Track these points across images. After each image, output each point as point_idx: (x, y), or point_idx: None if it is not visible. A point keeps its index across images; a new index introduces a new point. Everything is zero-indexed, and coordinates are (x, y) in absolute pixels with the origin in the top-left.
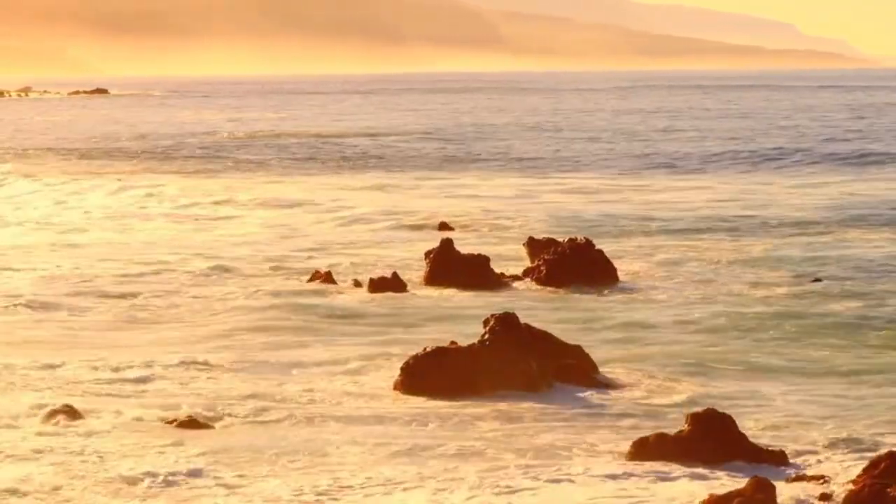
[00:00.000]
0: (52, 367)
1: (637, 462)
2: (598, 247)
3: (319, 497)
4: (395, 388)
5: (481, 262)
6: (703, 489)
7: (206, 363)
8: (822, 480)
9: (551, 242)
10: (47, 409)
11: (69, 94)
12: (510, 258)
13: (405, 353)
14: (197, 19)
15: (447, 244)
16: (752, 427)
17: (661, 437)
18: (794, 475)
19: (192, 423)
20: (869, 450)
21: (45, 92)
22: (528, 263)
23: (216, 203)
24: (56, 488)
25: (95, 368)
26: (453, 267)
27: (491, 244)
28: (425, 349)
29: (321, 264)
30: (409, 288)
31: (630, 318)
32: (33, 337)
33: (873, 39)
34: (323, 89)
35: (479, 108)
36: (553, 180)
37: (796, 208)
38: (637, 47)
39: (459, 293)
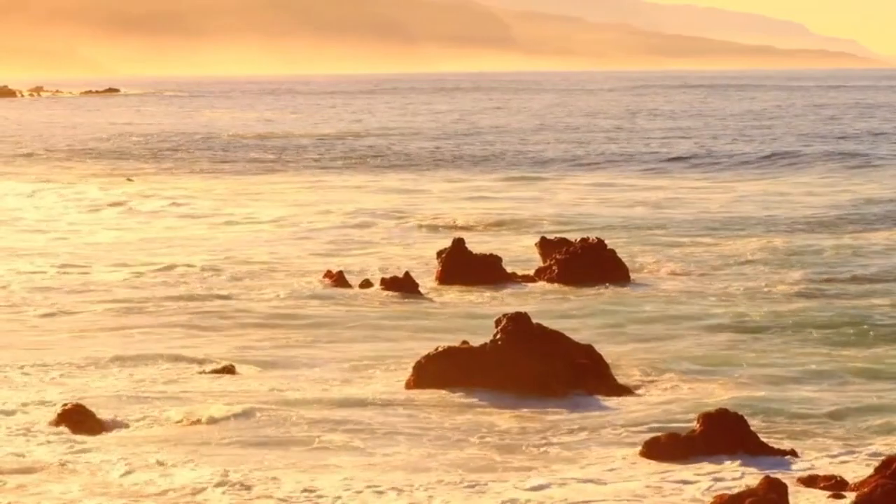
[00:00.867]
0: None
1: (649, 461)
2: (609, 246)
3: (321, 498)
4: (408, 387)
5: (493, 261)
6: (714, 489)
7: (217, 363)
8: (833, 480)
9: (563, 242)
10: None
11: (81, 93)
12: (522, 258)
13: (417, 352)
14: (208, 19)
15: (459, 244)
16: (764, 427)
17: (673, 437)
18: (805, 475)
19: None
20: (881, 450)
21: (57, 91)
22: (540, 263)
23: (224, 202)
24: None
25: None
26: (466, 267)
27: (503, 244)
28: (437, 349)
29: (333, 264)
30: (421, 288)
31: (642, 318)
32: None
33: (884, 39)
34: (336, 89)
35: (491, 107)
36: (565, 180)
37: (812, 208)
38: (649, 47)
39: (471, 293)
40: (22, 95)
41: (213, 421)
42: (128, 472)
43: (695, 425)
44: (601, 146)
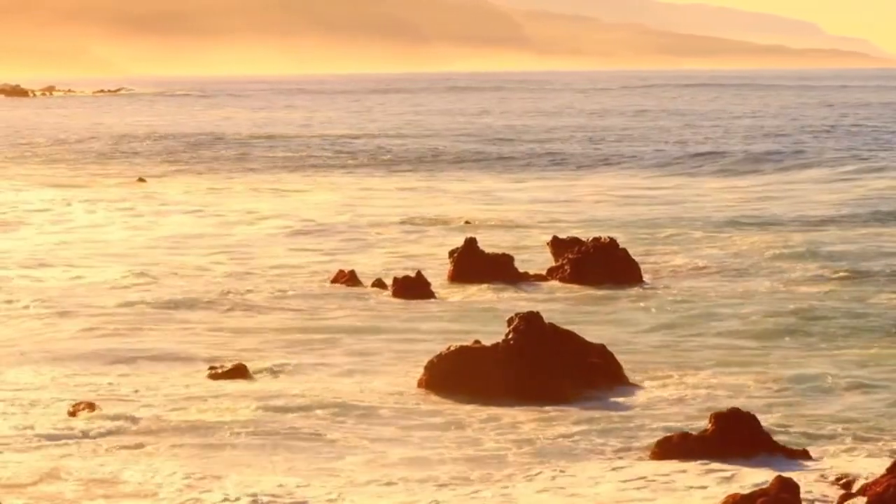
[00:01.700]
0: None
1: (660, 461)
2: (621, 245)
3: (329, 494)
4: (420, 386)
5: (505, 260)
6: (726, 488)
7: (228, 364)
8: (845, 480)
9: (575, 241)
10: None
11: (93, 92)
12: (534, 257)
13: (429, 351)
14: (219, 18)
15: (471, 243)
16: (777, 426)
17: (685, 437)
18: (818, 474)
19: (217, 420)
20: (894, 450)
21: (69, 91)
22: (552, 262)
23: (236, 201)
24: None
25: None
26: (478, 266)
27: (515, 243)
28: (449, 348)
29: (345, 263)
30: (433, 287)
31: (653, 317)
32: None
33: None
34: (347, 88)
35: (505, 107)
36: (578, 180)
37: (827, 205)
38: (661, 47)
39: (483, 292)
40: (34, 95)
41: (223, 420)
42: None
43: (707, 425)
44: (614, 145)
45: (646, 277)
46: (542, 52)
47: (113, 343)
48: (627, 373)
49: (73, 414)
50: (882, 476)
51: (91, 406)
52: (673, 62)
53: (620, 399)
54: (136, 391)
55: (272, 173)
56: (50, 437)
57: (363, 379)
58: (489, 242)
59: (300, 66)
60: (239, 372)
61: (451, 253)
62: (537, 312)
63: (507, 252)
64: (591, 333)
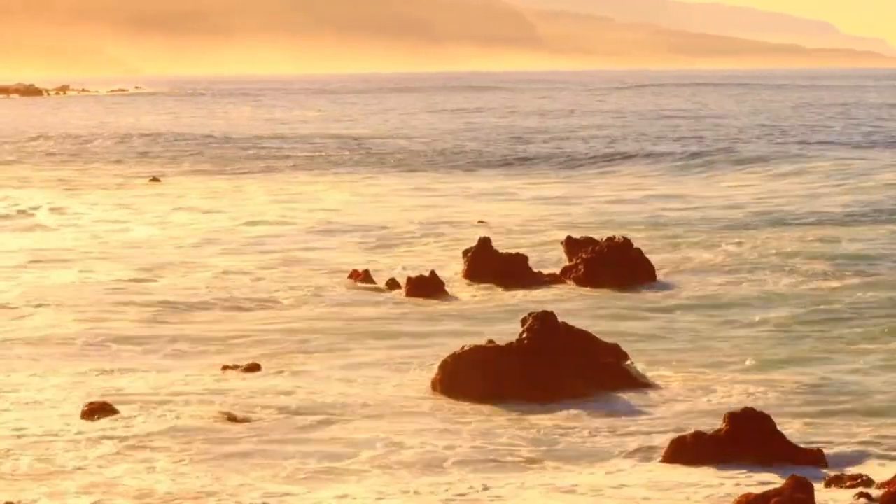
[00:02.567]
0: None
1: (674, 460)
2: (635, 245)
3: (341, 494)
4: (433, 386)
5: (519, 260)
6: (740, 488)
7: (242, 363)
8: (860, 479)
9: (589, 241)
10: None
11: (107, 92)
12: (548, 257)
13: (442, 351)
14: (233, 18)
15: (485, 243)
16: (790, 426)
17: (699, 436)
18: (832, 475)
19: (229, 420)
20: None
21: (83, 90)
22: (566, 262)
23: (251, 201)
24: None
25: None
26: (491, 265)
27: (529, 243)
28: (463, 348)
29: (359, 263)
30: (446, 287)
31: (668, 317)
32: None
33: None
34: (361, 88)
35: (518, 106)
36: (593, 179)
37: (840, 204)
38: (675, 46)
39: (497, 292)
40: (48, 94)
41: (234, 420)
42: (146, 472)
43: (721, 424)
44: (629, 144)
45: (660, 276)
46: (554, 52)
47: (125, 342)
48: (641, 372)
49: (86, 414)
50: None
51: (104, 406)
52: (686, 62)
53: (634, 398)
54: (150, 390)
55: (286, 172)
56: (61, 438)
57: (376, 378)
58: (503, 242)
59: (313, 65)
60: (252, 370)
61: (465, 252)
62: (551, 312)
63: (520, 252)
64: (605, 333)
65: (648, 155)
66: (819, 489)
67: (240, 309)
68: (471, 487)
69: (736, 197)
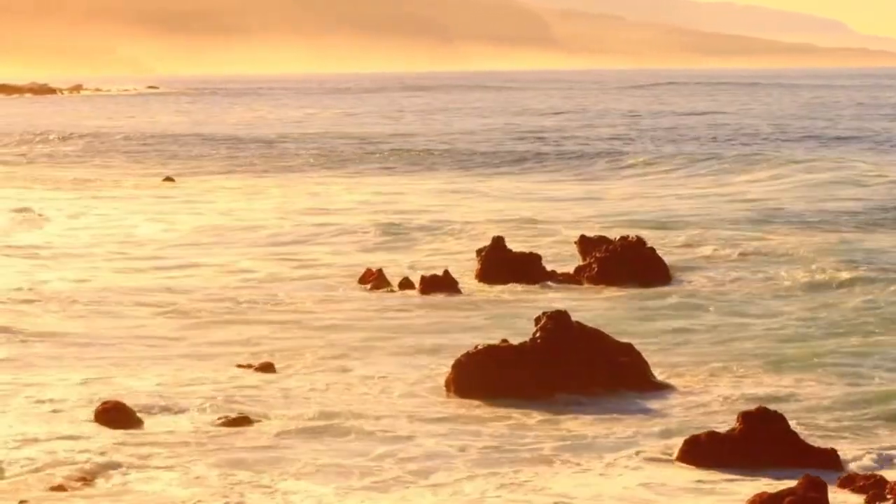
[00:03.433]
0: None
1: (688, 460)
2: (649, 244)
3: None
4: (447, 386)
5: (533, 259)
6: (753, 487)
7: (258, 364)
8: (873, 479)
9: (603, 240)
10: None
11: (121, 91)
12: (562, 256)
13: (456, 350)
14: (247, 17)
15: (499, 242)
16: (805, 425)
17: (713, 436)
18: (845, 474)
19: (242, 421)
20: None
21: (97, 90)
22: (579, 261)
23: (266, 201)
24: None
25: None
26: (505, 265)
27: (543, 242)
28: (476, 347)
29: (373, 262)
30: (460, 286)
31: (681, 316)
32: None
33: None
34: (376, 86)
35: (533, 106)
36: (607, 178)
37: (855, 202)
38: (688, 46)
39: (511, 291)
40: (62, 93)
41: (247, 421)
42: (157, 472)
43: (735, 424)
44: (642, 144)
45: (674, 275)
46: (568, 51)
47: (138, 341)
48: (655, 372)
49: (99, 413)
50: None
51: (118, 405)
52: (699, 61)
53: (648, 398)
54: (163, 389)
55: (300, 171)
56: (73, 437)
57: (389, 377)
58: (517, 241)
59: (327, 64)
60: (266, 370)
61: (479, 251)
62: (565, 311)
63: (534, 251)
64: (618, 332)
65: (660, 153)
66: (833, 489)
67: (253, 308)
68: (484, 489)
69: (749, 195)
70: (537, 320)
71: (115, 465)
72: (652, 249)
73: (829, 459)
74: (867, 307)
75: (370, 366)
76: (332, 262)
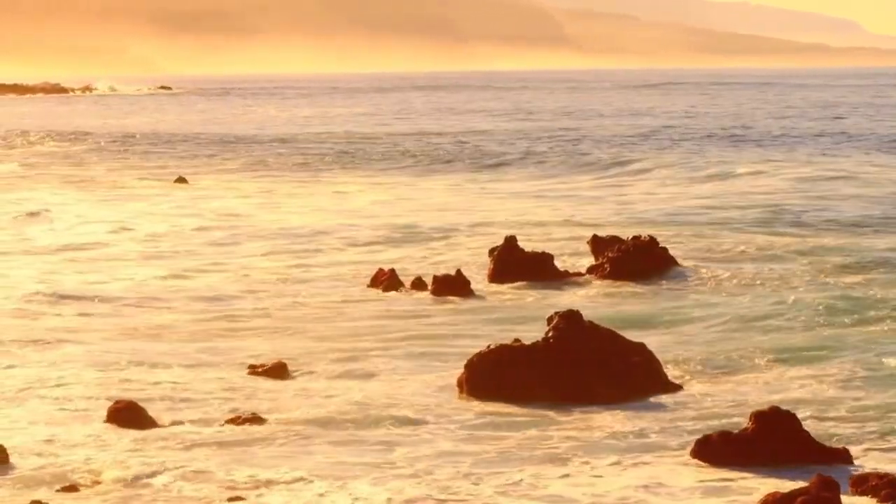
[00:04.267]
0: None
1: (700, 460)
2: (661, 244)
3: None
4: (459, 385)
5: (545, 259)
6: (766, 487)
7: (270, 364)
8: (886, 479)
9: (615, 240)
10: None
11: (133, 91)
12: (574, 256)
13: (468, 349)
14: (259, 16)
15: (511, 241)
16: (817, 425)
17: (725, 436)
18: (858, 474)
19: (254, 420)
20: None
21: (110, 89)
22: (592, 261)
23: (280, 200)
24: None
25: None
26: (517, 264)
27: (555, 242)
28: (489, 346)
29: (385, 262)
30: (472, 285)
31: (694, 315)
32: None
33: None
34: (391, 86)
35: (546, 106)
36: (617, 178)
37: (865, 200)
38: (701, 45)
39: (523, 291)
40: (74, 93)
41: (259, 420)
42: (166, 472)
43: (747, 423)
44: (655, 143)
45: (686, 275)
46: (582, 51)
47: (151, 340)
48: (667, 371)
49: (112, 413)
50: None
51: (130, 405)
52: (713, 60)
53: (660, 398)
54: (175, 389)
55: (313, 171)
56: (85, 436)
57: (401, 377)
58: (529, 241)
59: (340, 64)
60: (278, 370)
61: (492, 251)
62: (577, 311)
63: (546, 250)
64: (630, 332)
65: (672, 153)
66: (845, 489)
67: (266, 309)
68: (495, 489)
69: (759, 194)
70: (549, 320)
71: (128, 465)
72: (664, 249)
73: (842, 459)
74: (882, 304)
75: (382, 366)
76: (345, 261)
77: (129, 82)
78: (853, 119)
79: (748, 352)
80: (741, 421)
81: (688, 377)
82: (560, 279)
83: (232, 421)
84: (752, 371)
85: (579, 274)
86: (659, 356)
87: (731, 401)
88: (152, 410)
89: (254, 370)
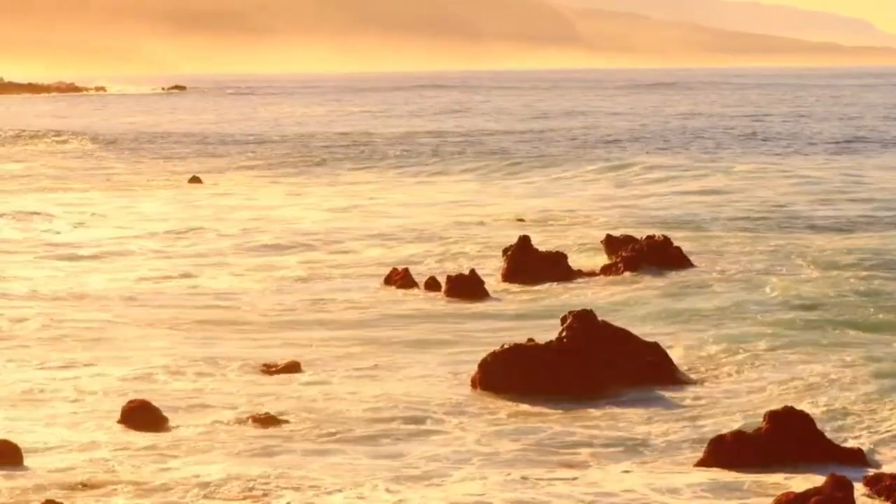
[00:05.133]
0: None
1: (715, 460)
2: (675, 243)
3: (383, 494)
4: (473, 384)
5: (559, 258)
6: (780, 487)
7: (284, 363)
8: None
9: (629, 239)
10: None
11: (146, 90)
12: (588, 255)
13: (482, 349)
14: (272, 16)
15: (525, 241)
16: (831, 424)
17: (739, 436)
18: (871, 473)
19: (268, 420)
20: None
21: (124, 89)
22: (606, 261)
23: (292, 201)
24: None
25: None
26: (531, 264)
27: (568, 241)
28: (503, 346)
29: (398, 262)
30: (486, 285)
31: (708, 315)
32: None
33: None
34: (404, 85)
35: (558, 105)
36: (629, 177)
37: (871, 200)
38: (713, 44)
39: (537, 290)
40: (88, 92)
41: (274, 420)
42: (176, 472)
43: (761, 423)
44: (665, 143)
45: (700, 275)
46: (594, 50)
47: (164, 339)
48: (681, 371)
49: (125, 413)
50: None
51: (144, 405)
52: (725, 60)
53: (674, 397)
54: (188, 388)
55: (328, 171)
56: (97, 436)
57: (416, 377)
58: (543, 240)
59: (354, 63)
60: (292, 370)
61: (505, 251)
62: (591, 311)
63: (560, 250)
64: (644, 331)
65: (682, 152)
66: (859, 488)
67: (279, 308)
68: (506, 487)
69: (768, 193)
70: (563, 320)
71: (140, 464)
72: (678, 249)
73: (856, 459)
74: (893, 302)
75: (395, 365)
76: (359, 261)
77: (143, 81)
78: (865, 120)
79: (762, 351)
80: (755, 421)
81: (702, 377)
82: (574, 279)
83: (246, 421)
84: (766, 371)
85: (593, 273)
86: (672, 355)
87: (745, 400)
88: (166, 410)
89: (268, 370)
